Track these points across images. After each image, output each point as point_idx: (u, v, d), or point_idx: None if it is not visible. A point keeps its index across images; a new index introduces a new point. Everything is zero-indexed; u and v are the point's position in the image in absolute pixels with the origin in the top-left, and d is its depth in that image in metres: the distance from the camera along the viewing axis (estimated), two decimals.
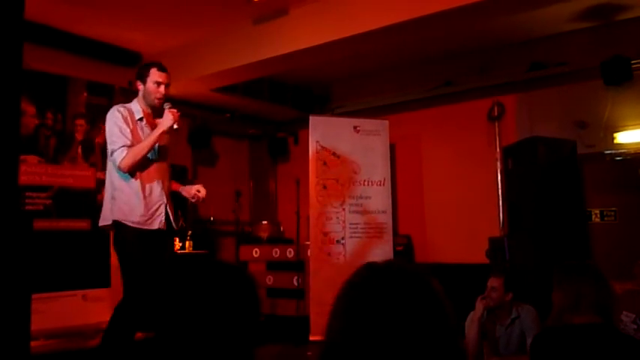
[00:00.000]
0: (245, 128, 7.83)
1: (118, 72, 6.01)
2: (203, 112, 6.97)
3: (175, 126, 3.28)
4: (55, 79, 5.29)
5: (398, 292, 0.86)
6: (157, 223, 3.27)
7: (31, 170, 4.99)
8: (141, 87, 3.36)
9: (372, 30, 4.63)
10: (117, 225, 3.20)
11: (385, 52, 5.83)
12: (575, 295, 2.04)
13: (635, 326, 2.87)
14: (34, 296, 4.11)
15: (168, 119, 3.25)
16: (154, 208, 3.26)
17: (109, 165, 3.27)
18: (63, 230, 5.11)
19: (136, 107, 3.34)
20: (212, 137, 7.02)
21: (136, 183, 3.21)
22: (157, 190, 3.29)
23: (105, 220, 3.27)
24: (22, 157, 4.84)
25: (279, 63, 5.51)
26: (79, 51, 5.64)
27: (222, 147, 7.55)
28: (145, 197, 3.21)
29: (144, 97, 3.35)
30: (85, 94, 5.48)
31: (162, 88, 3.33)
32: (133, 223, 3.18)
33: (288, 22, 5.18)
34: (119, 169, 3.17)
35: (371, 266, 0.95)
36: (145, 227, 3.21)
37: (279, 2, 5.03)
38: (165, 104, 3.32)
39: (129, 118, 3.25)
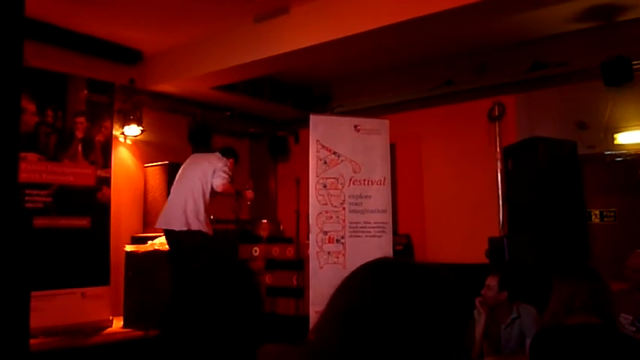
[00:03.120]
0: (245, 127, 7.82)
1: (118, 69, 6.02)
2: (203, 110, 6.97)
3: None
4: (56, 77, 5.29)
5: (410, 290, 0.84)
6: None
7: (31, 168, 4.98)
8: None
9: (373, 29, 4.63)
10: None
11: (386, 51, 5.82)
12: (568, 297, 2.05)
13: (634, 328, 2.87)
14: (33, 294, 4.12)
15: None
16: None
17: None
18: (63, 228, 5.11)
19: None
20: (212, 136, 7.01)
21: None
22: None
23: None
24: (22, 154, 4.84)
25: (280, 62, 5.51)
26: (80, 48, 5.64)
27: (222, 145, 7.53)
28: None
29: None
30: (86, 92, 5.48)
31: None
32: None
33: (289, 20, 5.17)
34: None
35: (381, 262, 0.91)
36: None
37: (280, 1, 5.02)
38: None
39: None
